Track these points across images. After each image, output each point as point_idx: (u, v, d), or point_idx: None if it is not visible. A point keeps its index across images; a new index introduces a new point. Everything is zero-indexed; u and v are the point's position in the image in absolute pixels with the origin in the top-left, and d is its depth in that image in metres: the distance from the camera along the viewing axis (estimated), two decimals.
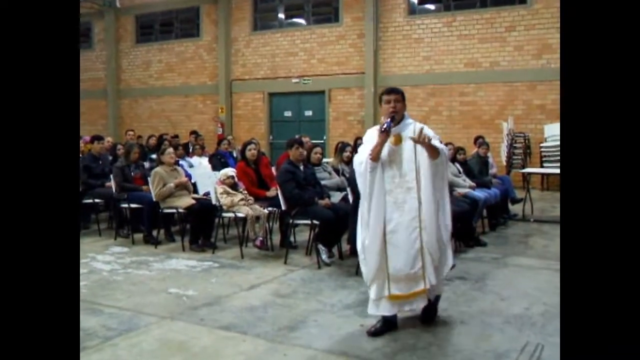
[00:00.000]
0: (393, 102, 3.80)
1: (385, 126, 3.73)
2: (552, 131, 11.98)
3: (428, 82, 13.64)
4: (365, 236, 3.87)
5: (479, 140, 9.27)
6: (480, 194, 7.51)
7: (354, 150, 7.67)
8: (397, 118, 3.80)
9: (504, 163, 11.77)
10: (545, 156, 11.84)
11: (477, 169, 8.32)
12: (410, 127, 3.80)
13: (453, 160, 7.72)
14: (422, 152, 3.73)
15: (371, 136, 3.87)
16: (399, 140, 3.79)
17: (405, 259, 3.77)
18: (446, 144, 7.74)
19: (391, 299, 3.84)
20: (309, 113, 15.40)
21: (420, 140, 3.61)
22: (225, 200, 6.56)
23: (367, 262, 3.88)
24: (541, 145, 12.05)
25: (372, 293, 3.90)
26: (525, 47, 12.70)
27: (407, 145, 3.77)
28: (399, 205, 3.76)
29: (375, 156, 3.77)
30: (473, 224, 7.18)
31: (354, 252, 6.24)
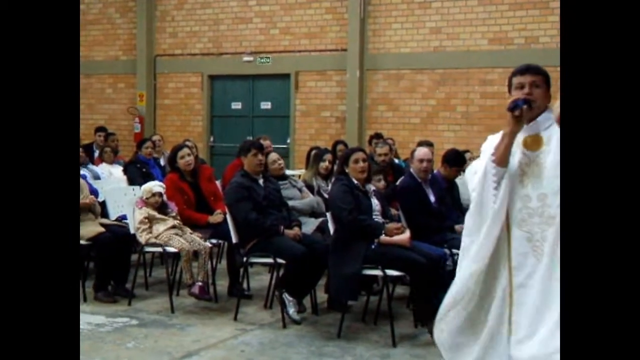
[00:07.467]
0: (528, 87, 3.56)
1: (516, 104, 3.47)
2: None
3: (436, 65, 13.76)
4: (463, 288, 3.63)
5: None
6: None
7: (335, 159, 7.72)
8: (533, 108, 3.54)
9: None
10: None
11: None
12: (554, 126, 3.44)
13: None
14: None
15: (492, 145, 3.62)
16: (536, 143, 3.56)
17: (540, 331, 3.40)
18: (463, 152, 7.96)
19: None
20: (266, 105, 15.40)
21: None
22: (147, 231, 6.53)
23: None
24: None
25: None
26: None
27: (552, 152, 3.49)
28: (535, 245, 3.50)
29: (501, 157, 3.53)
30: None
31: (333, 306, 6.28)
